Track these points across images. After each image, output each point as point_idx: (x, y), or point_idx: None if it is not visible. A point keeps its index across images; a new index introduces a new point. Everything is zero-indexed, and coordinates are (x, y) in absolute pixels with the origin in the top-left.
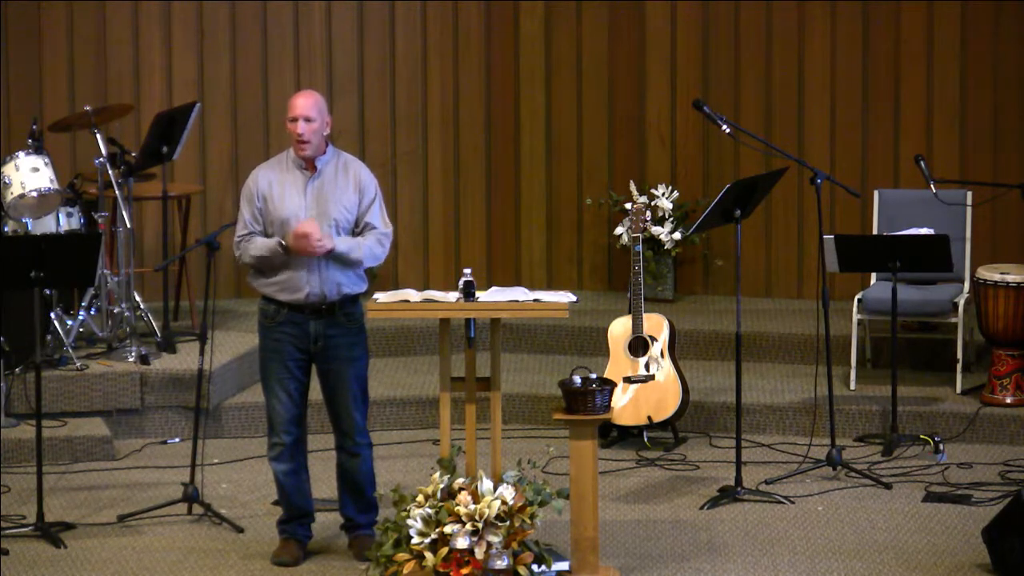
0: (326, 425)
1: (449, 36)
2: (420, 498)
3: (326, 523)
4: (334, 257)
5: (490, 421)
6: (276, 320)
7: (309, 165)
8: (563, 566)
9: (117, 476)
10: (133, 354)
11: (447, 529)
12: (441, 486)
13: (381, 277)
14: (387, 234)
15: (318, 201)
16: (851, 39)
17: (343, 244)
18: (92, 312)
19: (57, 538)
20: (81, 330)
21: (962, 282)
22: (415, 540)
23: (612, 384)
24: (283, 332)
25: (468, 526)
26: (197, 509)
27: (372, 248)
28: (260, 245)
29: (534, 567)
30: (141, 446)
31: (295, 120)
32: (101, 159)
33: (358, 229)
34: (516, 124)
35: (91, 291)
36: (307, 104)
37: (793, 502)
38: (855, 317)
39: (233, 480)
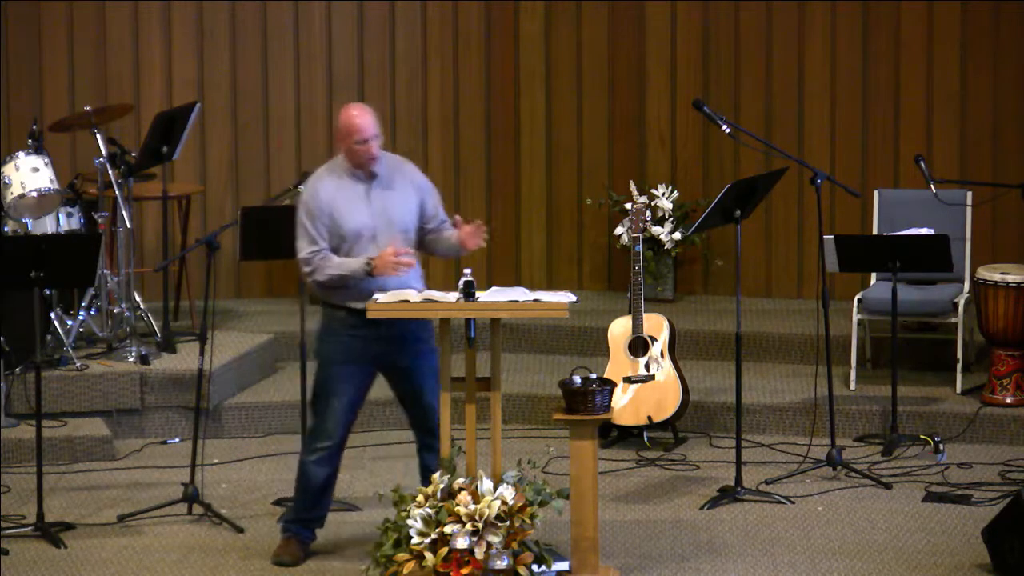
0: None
1: (449, 36)
2: (420, 498)
3: (325, 523)
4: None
5: (490, 421)
6: (347, 324)
7: (366, 173)
8: (563, 566)
9: (117, 476)
10: (133, 354)
11: (447, 529)
12: (441, 486)
13: None
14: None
15: (384, 209)
16: (851, 39)
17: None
18: (92, 312)
19: (57, 538)
20: (81, 330)
21: (962, 282)
22: (415, 540)
23: (612, 384)
24: (355, 336)
25: (468, 526)
26: (197, 509)
27: None
28: (340, 264)
29: (534, 567)
30: (141, 446)
31: (367, 142)
32: (101, 159)
33: (432, 224)
34: (516, 124)
35: (91, 291)
36: (371, 124)
37: (793, 502)
38: (855, 317)
39: (233, 480)
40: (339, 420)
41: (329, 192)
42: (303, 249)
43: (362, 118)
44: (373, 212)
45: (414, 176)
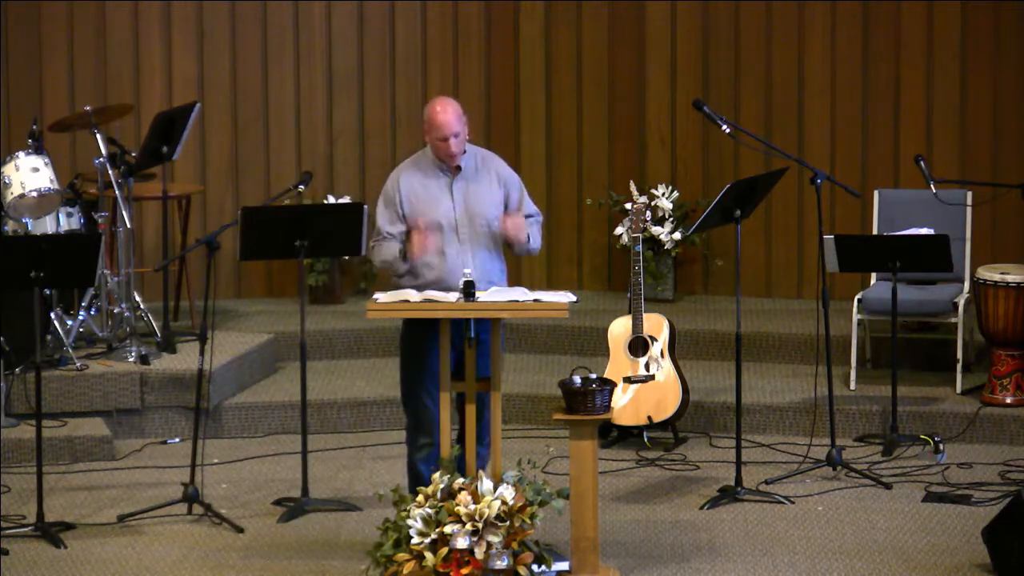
0: (326, 424)
1: (449, 36)
2: (420, 498)
3: (325, 523)
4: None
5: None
6: (422, 320)
7: (450, 167)
8: (563, 566)
9: (117, 476)
10: (133, 354)
11: (447, 529)
12: (441, 486)
13: (381, 277)
14: (541, 219)
15: (466, 202)
16: (851, 39)
17: (534, 241)
18: (92, 312)
19: (57, 538)
20: (81, 330)
21: (962, 282)
22: (415, 540)
23: (612, 384)
24: (430, 330)
25: (468, 526)
26: (197, 509)
27: (539, 235)
28: (386, 250)
29: (534, 567)
30: (141, 446)
31: (445, 139)
32: (101, 159)
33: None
34: (516, 124)
35: (91, 291)
36: (452, 121)
37: (793, 502)
38: (855, 317)
39: (233, 480)
40: (432, 414)
41: (410, 183)
42: (373, 236)
43: (443, 115)
44: (456, 204)
45: (500, 169)
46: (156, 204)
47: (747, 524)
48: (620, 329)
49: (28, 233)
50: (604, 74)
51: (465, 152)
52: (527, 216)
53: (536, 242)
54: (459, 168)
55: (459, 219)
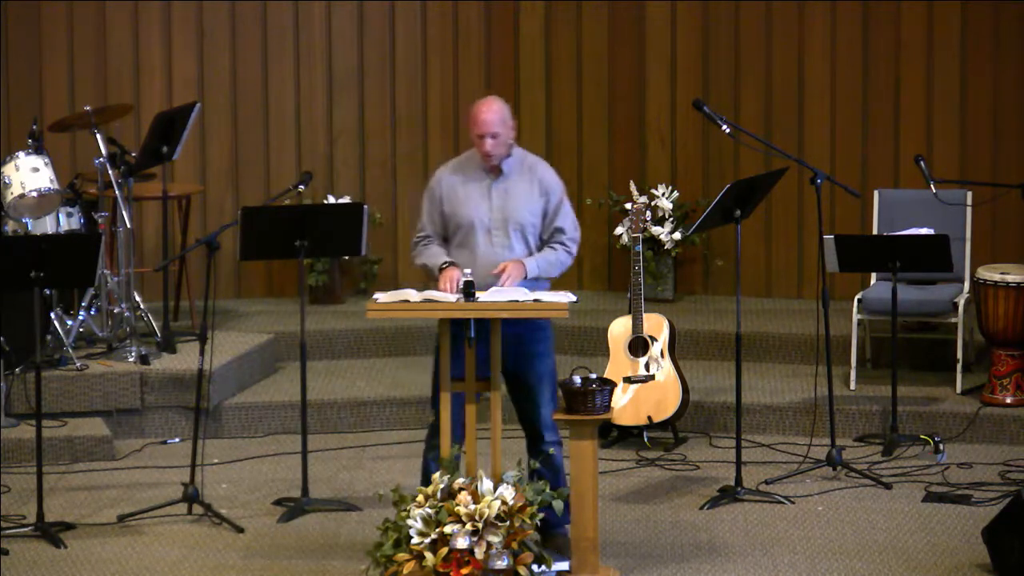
0: (326, 424)
1: (449, 36)
2: (420, 498)
3: (325, 523)
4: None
5: (490, 421)
6: (456, 322)
7: (494, 168)
8: (563, 566)
9: (117, 476)
10: (133, 354)
11: (447, 529)
12: (441, 486)
13: (381, 277)
14: (575, 239)
15: (503, 205)
16: (851, 39)
17: (533, 270)
18: (92, 312)
19: (57, 538)
20: (81, 330)
21: (962, 282)
22: (415, 540)
23: (612, 384)
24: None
25: (468, 526)
26: (197, 509)
27: (561, 259)
28: (429, 255)
29: (534, 567)
30: (141, 446)
31: (482, 137)
32: (101, 159)
33: (547, 234)
34: (516, 124)
35: (91, 291)
36: (492, 120)
37: (793, 502)
38: (855, 317)
39: (233, 480)
40: (454, 416)
41: (451, 182)
42: (416, 232)
43: (487, 113)
44: (492, 207)
45: (544, 176)
46: (156, 204)
47: (747, 524)
48: (620, 329)
49: (28, 233)
50: (604, 74)
51: (511, 156)
52: (557, 230)
53: (538, 271)
54: (500, 171)
55: (494, 221)
